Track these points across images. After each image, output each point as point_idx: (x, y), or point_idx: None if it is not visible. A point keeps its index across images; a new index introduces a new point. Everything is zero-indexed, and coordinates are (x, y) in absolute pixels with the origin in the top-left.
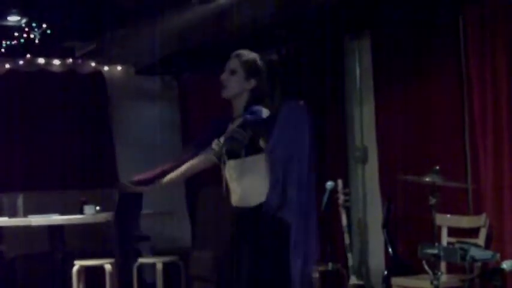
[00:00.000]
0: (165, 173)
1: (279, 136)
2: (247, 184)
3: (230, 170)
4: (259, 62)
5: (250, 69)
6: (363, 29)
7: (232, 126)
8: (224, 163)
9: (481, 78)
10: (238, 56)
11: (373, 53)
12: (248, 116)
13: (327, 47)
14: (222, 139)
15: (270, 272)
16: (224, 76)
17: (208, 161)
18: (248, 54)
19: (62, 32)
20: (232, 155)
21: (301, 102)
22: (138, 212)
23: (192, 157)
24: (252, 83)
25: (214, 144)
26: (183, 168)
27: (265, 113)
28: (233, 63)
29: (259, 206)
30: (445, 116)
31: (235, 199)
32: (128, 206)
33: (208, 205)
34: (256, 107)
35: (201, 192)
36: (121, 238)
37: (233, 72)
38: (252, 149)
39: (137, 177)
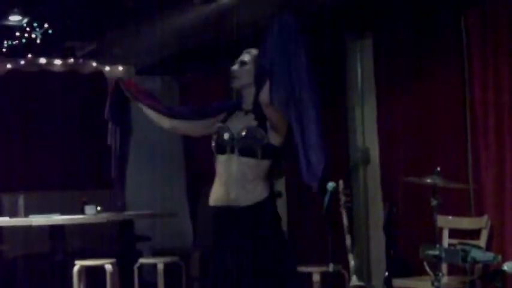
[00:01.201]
0: (153, 103)
1: (274, 48)
2: (251, 189)
3: (240, 168)
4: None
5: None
6: (365, 29)
7: (247, 120)
8: (227, 156)
9: (483, 79)
10: (249, 52)
11: (375, 54)
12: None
13: (329, 47)
14: (235, 129)
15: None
16: (235, 67)
17: (197, 132)
18: (256, 52)
19: (63, 32)
20: (248, 152)
21: (291, 18)
22: None
23: (185, 116)
24: None
25: (225, 131)
26: (175, 123)
27: None
28: (244, 57)
29: (258, 204)
30: (446, 117)
31: (233, 197)
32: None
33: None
34: None
35: (202, 193)
36: (122, 238)
37: (243, 63)
38: (268, 152)
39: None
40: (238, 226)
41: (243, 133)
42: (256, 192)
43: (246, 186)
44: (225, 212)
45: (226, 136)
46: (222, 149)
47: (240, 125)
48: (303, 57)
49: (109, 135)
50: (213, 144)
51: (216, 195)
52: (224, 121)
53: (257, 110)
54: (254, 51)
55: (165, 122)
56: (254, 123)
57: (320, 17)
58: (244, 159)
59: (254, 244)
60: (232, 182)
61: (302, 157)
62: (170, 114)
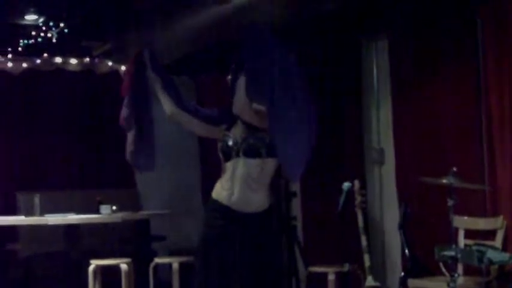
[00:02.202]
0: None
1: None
2: (254, 196)
3: (245, 168)
4: None
5: None
6: (381, 31)
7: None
8: (235, 159)
9: (499, 80)
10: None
11: (391, 55)
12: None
13: (345, 48)
14: (241, 134)
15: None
16: (230, 76)
17: (195, 129)
18: None
19: (79, 32)
20: (253, 153)
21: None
22: None
23: (188, 110)
24: None
25: (228, 138)
26: (176, 111)
27: None
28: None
29: (263, 212)
30: (462, 117)
31: (237, 199)
32: None
33: None
34: None
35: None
36: (137, 237)
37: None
38: (272, 149)
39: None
40: (234, 232)
41: (244, 135)
42: (259, 199)
43: (251, 186)
44: (226, 212)
45: (230, 142)
46: (228, 155)
47: (243, 131)
48: (288, 62)
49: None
50: (220, 152)
51: (220, 191)
52: (228, 129)
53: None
54: None
55: (168, 107)
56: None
57: (335, 19)
58: (250, 160)
59: (247, 254)
60: (236, 181)
61: (284, 151)
62: (177, 101)
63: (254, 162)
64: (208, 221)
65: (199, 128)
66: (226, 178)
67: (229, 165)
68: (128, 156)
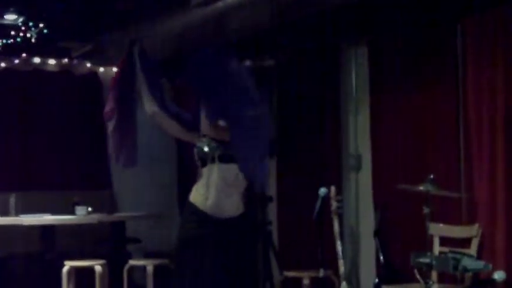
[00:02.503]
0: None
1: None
2: (228, 201)
3: (220, 175)
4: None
5: None
6: (360, 37)
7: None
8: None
9: (478, 88)
10: None
11: (370, 61)
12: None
13: (324, 54)
14: (212, 140)
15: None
16: None
17: (172, 131)
18: None
19: (58, 32)
20: (226, 159)
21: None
22: None
23: (168, 111)
24: None
25: (204, 144)
26: (157, 111)
27: None
28: None
29: (238, 217)
30: (440, 125)
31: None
32: None
33: None
34: None
35: None
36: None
37: None
38: None
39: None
40: (209, 236)
41: (215, 143)
42: (234, 204)
43: (226, 191)
44: (201, 216)
45: (206, 148)
46: (203, 161)
47: None
48: (241, 81)
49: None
50: (196, 158)
51: (196, 196)
52: (204, 135)
53: None
54: None
55: (149, 107)
56: None
57: (315, 24)
58: (225, 166)
59: (221, 258)
60: (212, 187)
61: (247, 161)
62: (160, 102)
63: (229, 167)
64: (184, 223)
65: (177, 131)
66: (202, 183)
67: (205, 171)
68: (109, 151)
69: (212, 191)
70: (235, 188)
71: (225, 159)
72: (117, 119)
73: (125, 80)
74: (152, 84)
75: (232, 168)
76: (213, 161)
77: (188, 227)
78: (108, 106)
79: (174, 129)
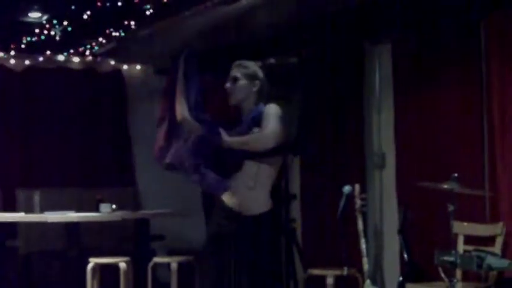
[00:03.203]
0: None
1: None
2: (253, 197)
3: (245, 169)
4: (256, 67)
5: (251, 75)
6: (384, 34)
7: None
8: None
9: (502, 86)
10: (238, 65)
11: (393, 59)
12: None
13: (348, 52)
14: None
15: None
16: (228, 85)
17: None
18: (247, 64)
19: (82, 30)
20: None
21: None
22: None
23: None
24: (257, 84)
25: None
26: (197, 129)
27: (269, 107)
28: (234, 72)
29: (263, 214)
30: (464, 123)
31: (234, 200)
32: None
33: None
34: (260, 107)
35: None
36: (138, 237)
37: (235, 79)
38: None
39: None
40: (235, 233)
41: None
42: (258, 201)
43: (249, 187)
44: (229, 212)
45: None
46: None
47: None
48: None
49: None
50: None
51: (226, 195)
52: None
53: (251, 117)
54: (245, 64)
55: (179, 111)
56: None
57: (338, 22)
58: (246, 162)
59: (246, 255)
60: (235, 186)
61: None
62: (193, 108)
63: (249, 163)
64: (213, 219)
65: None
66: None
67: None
68: (155, 152)
69: (236, 187)
70: (259, 184)
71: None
72: (167, 126)
73: (172, 87)
74: (190, 88)
75: (251, 165)
76: None
77: (216, 223)
78: (158, 114)
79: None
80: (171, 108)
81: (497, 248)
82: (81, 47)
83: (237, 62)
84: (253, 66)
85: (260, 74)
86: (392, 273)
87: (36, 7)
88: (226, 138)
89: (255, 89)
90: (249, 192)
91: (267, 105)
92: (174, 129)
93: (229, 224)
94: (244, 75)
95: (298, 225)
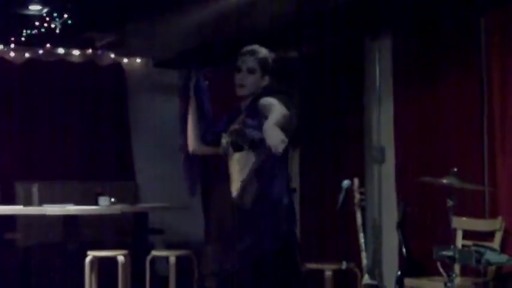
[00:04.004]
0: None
1: None
2: (246, 185)
3: (234, 162)
4: (271, 58)
5: (266, 67)
6: (384, 29)
7: (240, 118)
8: (230, 156)
9: (502, 81)
10: (253, 53)
11: (393, 53)
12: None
13: (348, 46)
14: (227, 132)
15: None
16: (242, 75)
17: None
18: (262, 51)
19: (82, 23)
20: (237, 147)
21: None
22: None
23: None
24: (266, 80)
25: (223, 138)
26: (210, 150)
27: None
28: (251, 62)
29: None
30: (464, 117)
31: (235, 190)
32: None
33: (223, 200)
34: (265, 98)
35: (215, 186)
36: (136, 230)
37: (251, 71)
38: (256, 142)
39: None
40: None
41: (228, 132)
42: (253, 193)
43: (245, 181)
44: (233, 207)
45: (224, 142)
46: (225, 154)
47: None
48: None
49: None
50: (220, 152)
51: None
52: (227, 128)
53: (251, 106)
54: (259, 51)
55: (191, 142)
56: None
57: (338, 18)
58: (237, 154)
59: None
60: (233, 178)
61: None
62: (203, 134)
63: (240, 156)
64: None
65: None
66: (232, 176)
67: (228, 162)
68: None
69: (234, 185)
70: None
71: (237, 147)
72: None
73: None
74: (201, 112)
75: (245, 156)
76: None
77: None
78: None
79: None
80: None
81: (496, 243)
82: (81, 40)
83: (250, 48)
84: (268, 57)
85: (273, 66)
86: (390, 267)
87: (36, 0)
88: None
89: (264, 84)
90: (248, 186)
91: (264, 98)
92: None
93: (233, 216)
94: (261, 68)
95: (296, 219)
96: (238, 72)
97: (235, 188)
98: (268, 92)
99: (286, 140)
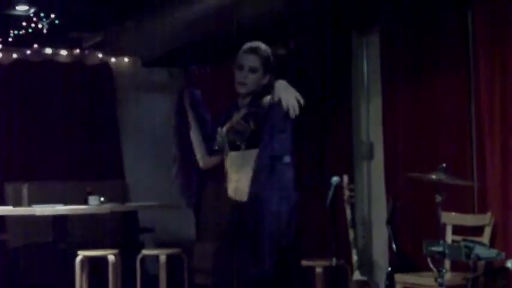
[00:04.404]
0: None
1: None
2: (244, 177)
3: (231, 161)
4: (272, 56)
5: (268, 65)
6: (372, 25)
7: (237, 116)
8: (226, 154)
9: (490, 76)
10: (256, 51)
11: (381, 49)
12: (252, 109)
13: (336, 42)
14: (224, 130)
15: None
16: (243, 74)
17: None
18: (264, 49)
19: (69, 23)
20: (233, 146)
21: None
22: None
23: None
24: (267, 78)
25: (218, 135)
26: (217, 160)
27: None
28: (253, 61)
29: (252, 198)
30: (452, 113)
31: (231, 190)
32: None
33: (213, 198)
34: (264, 98)
35: (205, 185)
36: (126, 229)
37: (254, 70)
38: (253, 142)
39: None
40: (235, 222)
41: (225, 131)
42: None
43: (243, 179)
44: (230, 205)
45: (219, 137)
46: (221, 151)
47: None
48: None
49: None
50: (216, 147)
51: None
52: (223, 124)
53: (252, 103)
54: (261, 49)
55: (200, 158)
56: (241, 115)
57: (327, 13)
58: (233, 153)
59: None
60: (229, 175)
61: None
62: (207, 147)
63: (236, 154)
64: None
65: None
66: (229, 174)
67: (226, 160)
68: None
69: (231, 181)
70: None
71: (233, 146)
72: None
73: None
74: (201, 124)
75: (240, 155)
76: (226, 149)
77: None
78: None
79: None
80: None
81: (485, 238)
82: (68, 40)
83: (253, 46)
84: (270, 55)
85: (274, 65)
86: (381, 263)
87: (23, 0)
88: None
89: (264, 82)
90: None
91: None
92: (184, 167)
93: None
94: (263, 66)
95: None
96: (240, 70)
97: (231, 187)
98: (267, 89)
99: (302, 99)
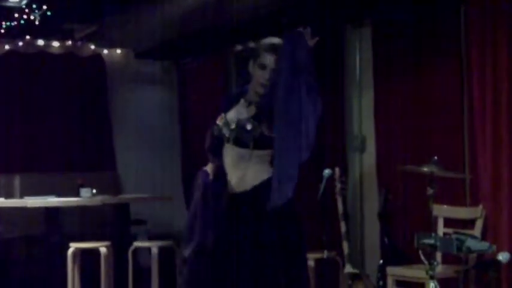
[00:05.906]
0: None
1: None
2: (248, 173)
3: (232, 156)
4: None
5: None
6: (364, 19)
7: (247, 111)
8: (225, 143)
9: (482, 70)
10: (276, 50)
11: (374, 43)
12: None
13: (328, 35)
14: (231, 120)
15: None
16: (267, 74)
17: None
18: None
19: (62, 14)
20: (240, 143)
21: (300, 30)
22: None
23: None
24: (272, 77)
25: (220, 121)
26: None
27: None
28: (271, 61)
29: (256, 187)
30: (444, 106)
31: (234, 183)
32: None
33: None
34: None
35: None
36: (118, 221)
37: (275, 70)
38: (261, 143)
39: None
40: (237, 213)
41: (233, 126)
42: (256, 176)
43: (243, 170)
44: (229, 197)
45: (223, 127)
46: (220, 141)
47: (239, 115)
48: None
49: None
50: (216, 134)
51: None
52: (227, 111)
53: (262, 101)
54: (279, 47)
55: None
56: (251, 113)
57: (319, 6)
58: (237, 149)
59: (253, 230)
60: (230, 168)
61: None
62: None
63: (240, 151)
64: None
65: None
66: (225, 166)
67: (223, 151)
68: None
69: (233, 174)
70: (256, 166)
71: (238, 143)
72: None
73: None
74: None
75: (246, 152)
76: (228, 141)
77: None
78: None
79: None
80: None
81: (477, 230)
82: (61, 31)
83: (276, 45)
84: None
85: None
86: (372, 256)
87: None
88: None
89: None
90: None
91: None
92: None
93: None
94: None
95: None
96: (262, 70)
97: (233, 182)
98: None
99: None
